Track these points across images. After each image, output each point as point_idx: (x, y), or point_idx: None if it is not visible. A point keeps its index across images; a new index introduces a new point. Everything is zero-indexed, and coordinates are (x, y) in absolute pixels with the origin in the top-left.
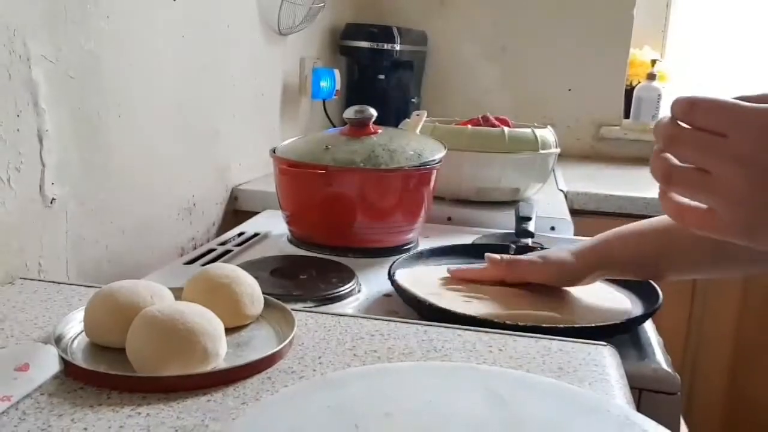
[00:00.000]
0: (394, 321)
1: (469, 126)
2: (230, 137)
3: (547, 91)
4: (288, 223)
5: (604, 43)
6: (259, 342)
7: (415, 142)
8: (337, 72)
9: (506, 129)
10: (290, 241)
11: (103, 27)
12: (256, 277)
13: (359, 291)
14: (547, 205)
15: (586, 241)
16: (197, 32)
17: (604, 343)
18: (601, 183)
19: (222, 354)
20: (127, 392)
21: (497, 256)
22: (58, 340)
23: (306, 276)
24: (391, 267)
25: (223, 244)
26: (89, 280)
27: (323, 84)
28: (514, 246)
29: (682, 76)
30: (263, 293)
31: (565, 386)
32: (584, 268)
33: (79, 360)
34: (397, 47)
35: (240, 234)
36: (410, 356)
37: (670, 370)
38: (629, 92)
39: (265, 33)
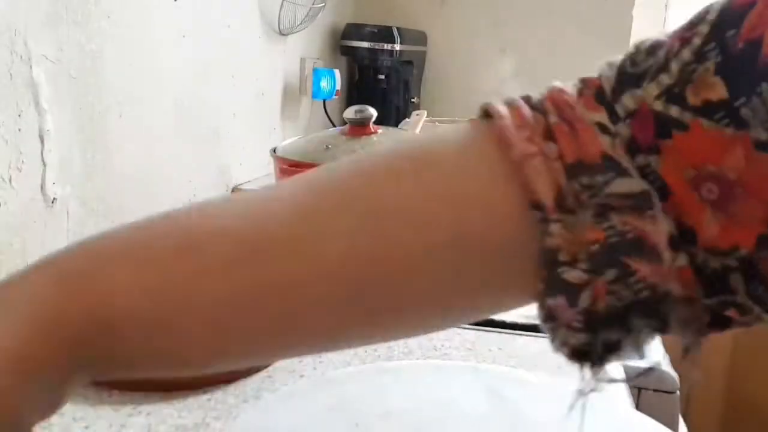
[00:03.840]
0: None
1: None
2: (231, 137)
3: None
4: None
5: (603, 44)
6: None
7: None
8: (337, 72)
9: None
10: None
11: (105, 27)
12: None
13: None
14: None
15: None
16: (198, 32)
17: None
18: None
19: None
20: (128, 391)
21: None
22: None
23: None
24: None
25: None
26: None
27: (324, 84)
28: None
29: None
30: None
31: (564, 385)
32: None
33: None
34: (397, 47)
35: None
36: (410, 355)
37: (669, 369)
38: None
39: (265, 33)
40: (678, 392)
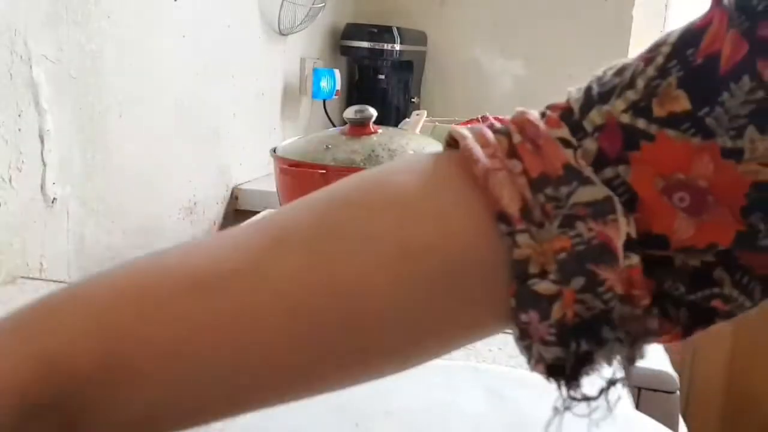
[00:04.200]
0: None
1: (469, 126)
2: (231, 137)
3: (547, 91)
4: None
5: (603, 44)
6: None
7: (415, 141)
8: (337, 72)
9: None
10: None
11: (105, 27)
12: None
13: None
14: None
15: None
16: (198, 32)
17: None
18: None
19: None
20: None
21: None
22: None
23: None
24: None
25: None
26: None
27: (323, 84)
28: None
29: None
30: None
31: None
32: None
33: None
34: (397, 47)
35: None
36: None
37: (669, 368)
38: None
39: (265, 33)
40: (678, 392)
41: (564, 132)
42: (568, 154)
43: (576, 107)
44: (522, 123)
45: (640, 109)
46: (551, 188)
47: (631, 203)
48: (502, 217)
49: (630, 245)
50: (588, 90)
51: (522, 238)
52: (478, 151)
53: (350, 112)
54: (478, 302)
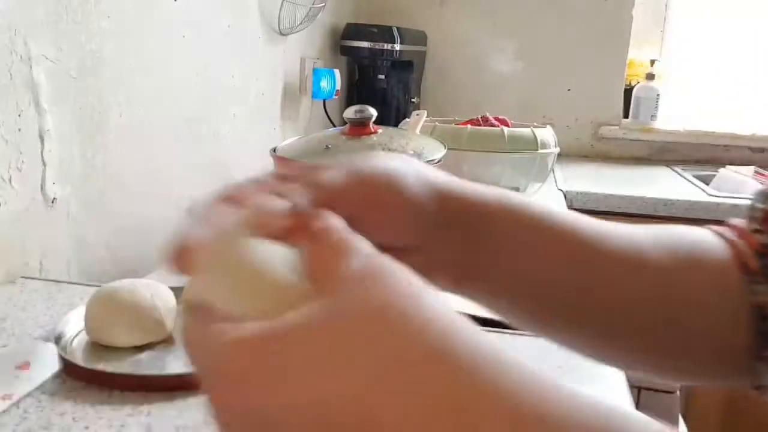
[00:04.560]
0: None
1: (469, 126)
2: (230, 137)
3: (547, 91)
4: None
5: (603, 44)
6: None
7: (415, 141)
8: (337, 72)
9: (505, 129)
10: None
11: (104, 27)
12: None
13: None
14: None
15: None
16: (198, 32)
17: None
18: (600, 182)
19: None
20: (128, 391)
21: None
22: (58, 339)
23: None
24: None
25: None
26: (90, 279)
27: (323, 84)
28: None
29: (680, 77)
30: None
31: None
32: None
33: (78, 359)
34: (397, 47)
35: None
36: None
37: None
38: (628, 92)
39: (265, 33)
40: (678, 392)
41: (753, 225)
42: (760, 238)
43: (753, 212)
44: (733, 226)
45: None
46: (762, 260)
47: None
48: (747, 270)
49: None
50: (755, 199)
51: (761, 288)
52: (730, 234)
53: (350, 112)
54: (726, 341)
